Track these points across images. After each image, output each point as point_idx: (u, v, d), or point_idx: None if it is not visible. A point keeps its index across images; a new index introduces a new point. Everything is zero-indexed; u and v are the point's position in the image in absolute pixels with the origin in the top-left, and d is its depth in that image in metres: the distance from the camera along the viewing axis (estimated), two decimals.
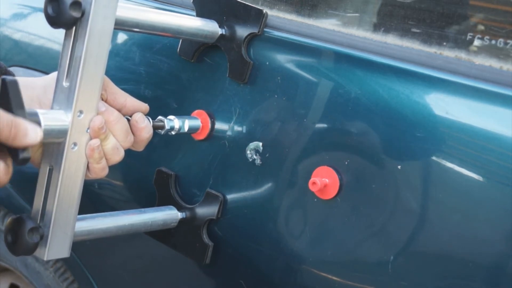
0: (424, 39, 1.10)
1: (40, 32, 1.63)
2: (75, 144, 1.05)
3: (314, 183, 1.11)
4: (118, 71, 1.40)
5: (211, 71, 1.29)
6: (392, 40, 1.13)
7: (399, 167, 1.06)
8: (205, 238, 1.28)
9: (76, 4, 0.99)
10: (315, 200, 1.14)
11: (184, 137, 1.31)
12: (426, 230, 1.04)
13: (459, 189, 1.01)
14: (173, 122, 1.21)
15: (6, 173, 0.95)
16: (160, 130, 1.19)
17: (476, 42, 1.06)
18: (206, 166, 1.29)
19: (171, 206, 1.31)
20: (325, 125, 1.15)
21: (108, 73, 1.10)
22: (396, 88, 1.08)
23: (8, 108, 0.94)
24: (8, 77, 0.94)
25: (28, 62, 1.62)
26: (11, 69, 1.21)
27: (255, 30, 1.22)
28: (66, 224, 1.07)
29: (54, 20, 1.00)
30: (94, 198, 1.48)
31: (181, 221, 1.29)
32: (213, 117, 1.28)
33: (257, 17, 1.22)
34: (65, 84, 1.04)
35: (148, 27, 1.15)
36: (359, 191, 1.10)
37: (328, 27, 1.20)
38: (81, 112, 1.04)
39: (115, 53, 1.41)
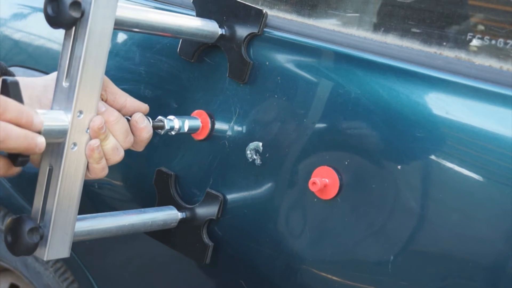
0: (424, 39, 1.10)
1: (40, 32, 1.63)
2: (75, 144, 1.05)
3: (314, 183, 1.11)
4: (118, 71, 1.40)
5: (211, 71, 1.29)
6: (392, 40, 1.12)
7: (399, 167, 1.06)
8: (205, 238, 1.28)
9: (76, 4, 0.99)
10: (315, 200, 1.14)
11: (184, 137, 1.31)
12: (426, 230, 1.04)
13: (459, 189, 1.01)
14: (173, 122, 1.21)
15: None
16: (160, 130, 1.19)
17: (476, 42, 1.06)
18: (206, 166, 1.29)
19: (171, 206, 1.31)
20: (325, 125, 1.15)
21: (108, 73, 1.11)
22: (396, 88, 1.08)
23: None
24: (9, 78, 0.95)
25: (28, 62, 1.62)
26: (11, 69, 1.21)
27: (255, 30, 1.22)
28: (66, 224, 1.07)
29: (54, 20, 1.00)
30: (94, 198, 1.48)
31: (181, 221, 1.29)
32: (213, 117, 1.28)
33: (257, 17, 1.22)
34: (65, 84, 1.04)
35: (148, 27, 1.15)
36: (359, 191, 1.10)
37: (328, 27, 1.20)
38: (81, 112, 1.04)
39: (115, 53, 1.41)
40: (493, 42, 1.04)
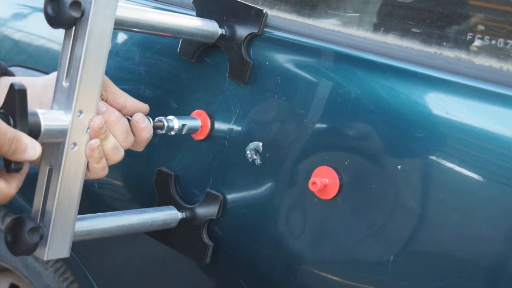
0: (424, 39, 1.10)
1: (40, 32, 1.63)
2: (75, 144, 1.05)
3: (314, 183, 1.11)
4: (118, 71, 1.40)
5: (211, 71, 1.29)
6: (392, 40, 1.13)
7: (399, 167, 1.06)
8: (205, 238, 1.28)
9: (76, 4, 0.99)
10: (315, 200, 1.14)
11: (184, 137, 1.31)
12: (426, 230, 1.04)
13: (459, 189, 1.01)
14: (173, 122, 1.21)
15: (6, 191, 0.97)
16: (159, 131, 1.19)
17: (476, 42, 1.06)
18: (206, 166, 1.29)
19: (171, 206, 1.31)
20: (325, 125, 1.15)
21: (108, 73, 1.11)
22: (396, 88, 1.08)
23: (12, 113, 0.94)
24: (17, 84, 0.95)
25: (28, 62, 1.62)
26: (11, 69, 1.20)
27: (255, 30, 1.22)
28: (66, 224, 1.07)
29: (54, 20, 1.00)
30: (94, 198, 1.48)
31: (181, 221, 1.29)
32: (213, 117, 1.28)
33: (257, 17, 1.22)
34: (65, 84, 1.04)
35: (148, 27, 1.15)
36: (359, 191, 1.10)
37: (328, 27, 1.20)
38: (81, 112, 1.04)
39: (115, 53, 1.41)
40: (493, 42, 1.04)
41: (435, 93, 1.06)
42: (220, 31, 1.25)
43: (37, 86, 1.10)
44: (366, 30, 1.17)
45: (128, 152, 1.15)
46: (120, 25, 1.10)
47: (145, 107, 1.17)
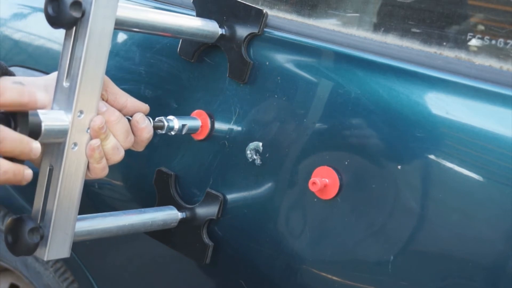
0: (424, 39, 1.10)
1: (40, 32, 1.63)
2: (75, 144, 1.05)
3: (314, 183, 1.11)
4: (118, 71, 1.40)
5: (211, 71, 1.29)
6: (392, 40, 1.13)
7: (399, 167, 1.06)
8: (205, 238, 1.28)
9: (76, 4, 0.99)
10: (315, 200, 1.14)
11: (184, 137, 1.31)
12: (426, 230, 1.04)
13: (459, 189, 1.01)
14: (173, 122, 1.21)
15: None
16: (159, 131, 1.19)
17: (476, 42, 1.06)
18: (206, 166, 1.29)
19: (171, 206, 1.31)
20: (325, 125, 1.15)
21: (108, 73, 1.11)
22: (396, 88, 1.08)
23: (12, 114, 0.95)
24: (32, 114, 0.96)
25: (28, 62, 1.62)
26: (11, 69, 1.20)
27: (255, 30, 1.22)
28: (66, 224, 1.07)
29: (54, 20, 1.00)
30: (94, 198, 1.49)
31: (181, 221, 1.29)
32: (213, 117, 1.28)
33: (257, 17, 1.22)
34: (65, 84, 1.04)
35: (148, 27, 1.15)
36: (359, 191, 1.10)
37: (328, 27, 1.20)
38: (81, 112, 1.04)
39: (115, 53, 1.41)
40: (493, 42, 1.04)
41: (435, 93, 1.06)
42: (220, 31, 1.25)
43: (37, 86, 1.10)
44: (366, 30, 1.17)
45: (128, 152, 1.15)
46: (120, 25, 1.10)
47: (145, 107, 1.17)
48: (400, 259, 1.06)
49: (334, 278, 1.14)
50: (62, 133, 1.03)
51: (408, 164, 1.06)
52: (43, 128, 0.99)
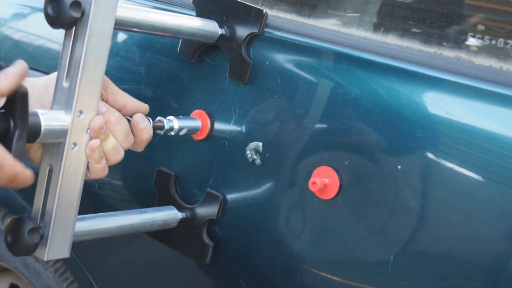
0: (424, 39, 1.10)
1: (40, 32, 1.63)
2: (75, 144, 1.05)
3: (314, 183, 1.11)
4: (118, 71, 1.40)
5: (211, 71, 1.29)
6: (392, 40, 1.13)
7: (399, 167, 1.06)
8: (205, 238, 1.28)
9: (76, 4, 0.99)
10: (315, 200, 1.14)
11: (184, 137, 1.31)
12: (426, 230, 1.04)
13: (459, 189, 1.01)
14: (173, 123, 1.21)
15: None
16: (159, 131, 1.19)
17: (476, 42, 1.06)
18: (206, 166, 1.29)
19: (171, 206, 1.31)
20: (325, 125, 1.15)
21: (108, 73, 1.11)
22: (396, 88, 1.08)
23: (12, 115, 0.95)
24: (22, 87, 0.95)
25: (28, 62, 1.61)
26: None
27: (255, 30, 1.22)
28: (66, 224, 1.07)
29: (54, 20, 1.00)
30: (94, 198, 1.49)
31: (181, 221, 1.29)
32: (212, 117, 1.28)
33: (257, 17, 1.22)
34: (65, 84, 1.04)
35: (148, 27, 1.15)
36: (359, 191, 1.10)
37: (328, 27, 1.20)
38: (81, 112, 1.04)
39: (115, 53, 1.41)
40: (493, 42, 1.04)
41: (435, 93, 1.06)
42: (220, 31, 1.25)
43: (37, 86, 1.10)
44: (366, 30, 1.17)
45: (128, 152, 1.15)
46: (120, 25, 1.10)
47: (145, 107, 1.17)
48: (400, 259, 1.06)
49: (334, 278, 1.14)
50: (62, 133, 1.03)
51: (408, 164, 1.06)
52: (42, 128, 0.99)
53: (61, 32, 1.04)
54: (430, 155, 1.03)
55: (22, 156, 0.97)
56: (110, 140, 1.09)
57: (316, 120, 1.15)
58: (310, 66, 1.17)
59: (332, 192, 1.12)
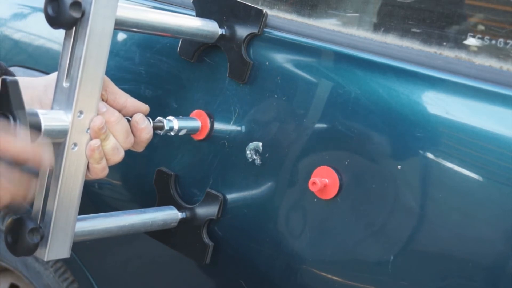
0: (424, 39, 1.10)
1: (40, 32, 1.63)
2: (75, 144, 1.05)
3: (314, 183, 1.11)
4: (118, 71, 1.40)
5: (211, 71, 1.29)
6: (392, 40, 1.13)
7: (399, 167, 1.06)
8: (205, 238, 1.28)
9: (76, 5, 0.99)
10: (315, 200, 1.14)
11: (184, 137, 1.31)
12: (426, 230, 1.04)
13: (459, 189, 1.01)
14: (172, 123, 1.21)
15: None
16: (159, 131, 1.19)
17: (476, 42, 1.06)
18: (206, 166, 1.29)
19: (171, 206, 1.31)
20: (325, 125, 1.15)
21: (108, 73, 1.11)
22: (396, 88, 1.08)
23: (9, 109, 0.94)
24: (9, 77, 0.94)
25: (28, 62, 1.62)
26: (11, 69, 1.21)
27: (255, 30, 1.22)
28: (67, 225, 1.07)
29: (54, 21, 1.00)
30: (94, 198, 1.49)
31: (181, 221, 1.29)
32: (212, 117, 1.28)
33: (257, 17, 1.22)
34: (65, 84, 1.04)
35: (148, 27, 1.15)
36: (359, 191, 1.10)
37: (328, 27, 1.20)
38: (81, 112, 1.04)
39: (115, 53, 1.41)
40: (493, 42, 1.04)
41: (435, 93, 1.06)
42: (220, 31, 1.25)
43: (38, 86, 1.10)
44: (366, 30, 1.17)
45: (128, 152, 1.15)
46: (120, 25, 1.10)
47: (145, 107, 1.17)
48: (400, 259, 1.06)
49: (334, 278, 1.14)
50: (62, 134, 1.03)
51: (408, 164, 1.06)
52: (43, 128, 0.99)
53: (61, 32, 1.04)
54: (430, 155, 1.03)
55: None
56: (110, 140, 1.09)
57: (316, 120, 1.15)
58: (310, 66, 1.17)
59: (332, 192, 1.12)
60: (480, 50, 1.05)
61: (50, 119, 1.01)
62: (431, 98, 1.06)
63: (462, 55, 1.06)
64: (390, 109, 1.08)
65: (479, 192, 1.00)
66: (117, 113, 1.10)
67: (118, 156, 1.10)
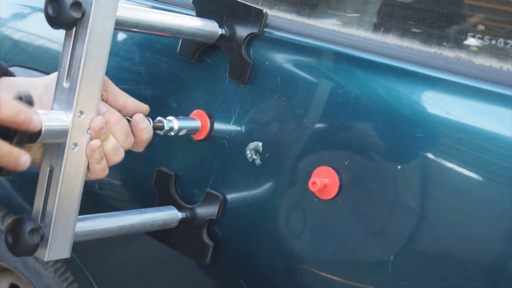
0: (424, 39, 1.10)
1: (40, 32, 1.63)
2: (75, 144, 1.05)
3: (314, 183, 1.11)
4: (118, 71, 1.40)
5: (211, 71, 1.29)
6: (392, 40, 1.13)
7: (399, 167, 1.06)
8: (205, 238, 1.28)
9: (77, 5, 0.99)
10: (315, 200, 1.14)
11: (184, 137, 1.31)
12: (426, 230, 1.04)
13: (459, 189, 1.01)
14: (172, 123, 1.21)
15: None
16: (159, 131, 1.19)
17: (476, 42, 1.06)
18: (206, 166, 1.29)
19: (171, 206, 1.31)
20: (325, 125, 1.15)
21: (108, 73, 1.11)
22: (396, 88, 1.08)
23: None
24: (24, 93, 0.95)
25: (28, 62, 1.62)
26: (11, 69, 1.20)
27: (255, 30, 1.22)
28: (67, 225, 1.07)
29: (54, 21, 1.00)
30: (94, 199, 1.49)
31: (181, 221, 1.29)
32: (212, 117, 1.28)
33: (257, 17, 1.22)
34: (66, 84, 1.04)
35: (148, 27, 1.15)
36: (359, 191, 1.10)
37: (328, 27, 1.20)
38: (81, 112, 1.04)
39: (115, 53, 1.41)
40: (493, 42, 1.04)
41: (435, 93, 1.06)
42: (220, 31, 1.25)
43: (38, 87, 1.10)
44: (366, 30, 1.17)
45: (128, 152, 1.15)
46: (120, 25, 1.10)
47: (145, 107, 1.17)
48: (400, 259, 1.06)
49: (334, 278, 1.14)
50: (62, 134, 1.03)
51: (408, 164, 1.06)
52: (43, 128, 0.99)
53: (61, 32, 1.04)
54: (430, 155, 1.03)
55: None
56: (110, 141, 1.09)
57: (316, 120, 1.15)
58: (310, 66, 1.17)
59: (332, 192, 1.12)
60: (480, 50, 1.05)
61: (51, 119, 1.01)
62: (431, 98, 1.06)
63: (462, 55, 1.06)
64: (390, 109, 1.08)
65: (479, 192, 1.00)
66: (117, 113, 1.10)
67: (118, 156, 1.10)
